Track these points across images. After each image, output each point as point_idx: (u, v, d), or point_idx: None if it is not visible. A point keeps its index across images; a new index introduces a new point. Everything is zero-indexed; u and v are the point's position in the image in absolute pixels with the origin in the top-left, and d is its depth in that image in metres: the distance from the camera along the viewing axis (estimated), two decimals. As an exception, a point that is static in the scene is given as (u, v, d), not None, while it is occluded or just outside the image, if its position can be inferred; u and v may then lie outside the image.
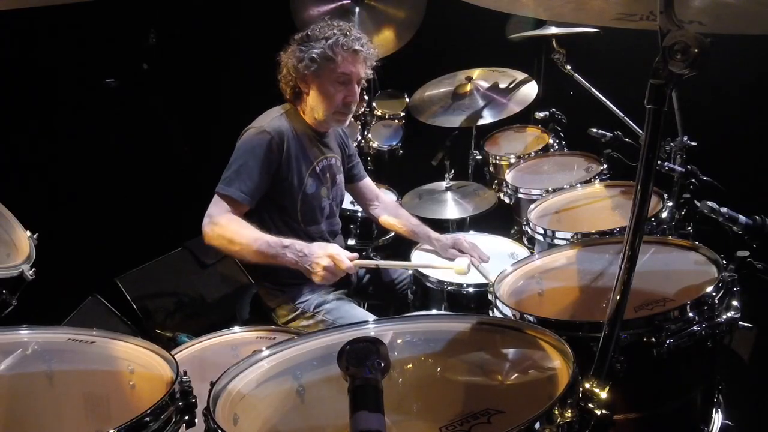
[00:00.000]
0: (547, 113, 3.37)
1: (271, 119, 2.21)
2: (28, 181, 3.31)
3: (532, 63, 3.97)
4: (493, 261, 2.44)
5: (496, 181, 3.30)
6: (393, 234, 3.12)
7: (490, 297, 1.72)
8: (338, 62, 2.16)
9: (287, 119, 2.24)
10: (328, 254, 1.96)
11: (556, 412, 1.04)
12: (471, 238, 2.58)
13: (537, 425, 1.01)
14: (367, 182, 2.66)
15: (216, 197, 2.11)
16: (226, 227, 2.06)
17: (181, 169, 4.01)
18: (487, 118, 3.19)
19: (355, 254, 2.03)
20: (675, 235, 2.14)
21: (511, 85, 3.27)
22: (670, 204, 2.23)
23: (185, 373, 1.29)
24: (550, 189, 2.70)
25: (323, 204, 2.35)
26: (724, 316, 1.46)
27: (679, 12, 1.04)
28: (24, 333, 1.53)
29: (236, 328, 1.98)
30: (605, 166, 2.76)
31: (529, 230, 2.33)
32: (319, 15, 3.39)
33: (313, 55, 2.16)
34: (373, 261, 2.16)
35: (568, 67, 3.08)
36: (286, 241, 2.04)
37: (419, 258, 2.53)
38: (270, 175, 2.15)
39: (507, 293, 1.77)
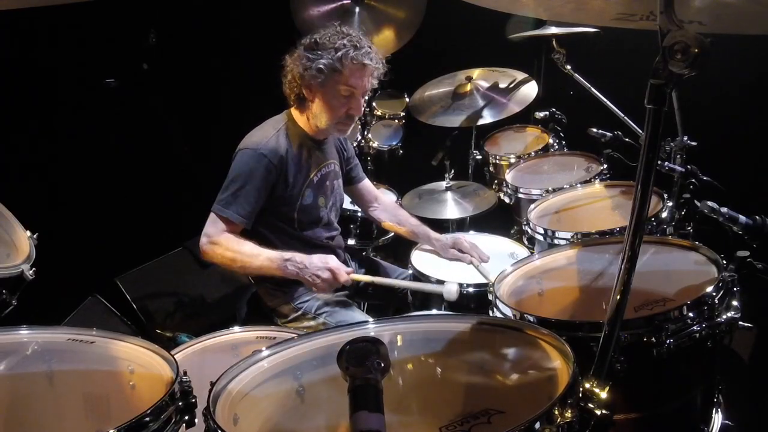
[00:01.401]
0: (547, 113, 3.36)
1: (268, 138, 2.18)
2: (28, 181, 3.31)
3: (532, 63, 3.97)
4: (493, 261, 2.44)
5: (496, 181, 3.30)
6: (393, 234, 3.12)
7: (490, 297, 1.72)
8: (346, 75, 2.14)
9: (285, 134, 2.22)
10: (328, 267, 2.09)
11: (556, 412, 1.04)
12: (471, 238, 2.58)
13: (537, 425, 1.01)
14: (366, 184, 2.66)
15: (213, 216, 2.14)
16: (226, 246, 2.11)
17: (181, 169, 4.01)
18: (487, 118, 3.19)
19: (351, 269, 2.19)
20: (675, 235, 2.14)
21: (511, 85, 3.27)
22: (670, 204, 2.23)
23: (185, 373, 1.29)
24: (550, 189, 2.70)
25: (321, 213, 2.35)
26: (724, 316, 1.46)
27: (679, 12, 1.04)
28: (24, 333, 1.53)
29: (236, 328, 1.98)
30: (605, 166, 2.76)
31: (529, 230, 2.33)
32: (319, 15, 3.39)
33: (321, 66, 2.13)
34: (368, 276, 2.33)
35: (568, 67, 3.08)
36: (287, 254, 2.12)
37: (419, 258, 2.53)
38: (267, 195, 2.17)
39: (507, 293, 1.77)
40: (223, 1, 4.09)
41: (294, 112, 2.31)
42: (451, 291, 2.13)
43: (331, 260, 2.12)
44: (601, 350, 1.15)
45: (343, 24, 2.26)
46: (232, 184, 2.13)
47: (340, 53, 2.12)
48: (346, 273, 2.12)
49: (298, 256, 2.11)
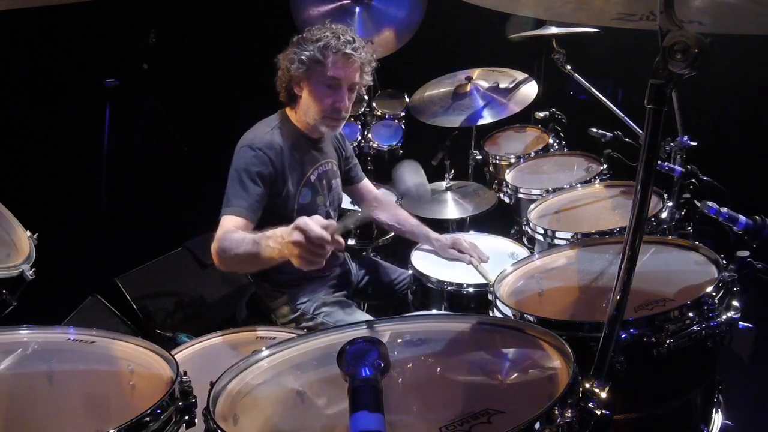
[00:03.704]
0: (547, 113, 3.37)
1: (264, 134, 2.18)
2: (28, 181, 3.31)
3: (532, 63, 3.98)
4: (493, 261, 2.44)
5: (496, 181, 3.30)
6: (393, 234, 3.12)
7: (490, 297, 1.72)
8: (327, 65, 2.14)
9: (280, 131, 2.22)
10: (295, 227, 1.63)
11: (556, 412, 1.04)
12: (471, 238, 2.57)
13: (537, 425, 1.01)
14: (366, 184, 2.66)
15: (220, 221, 2.05)
16: (222, 238, 1.98)
17: (181, 170, 4.02)
18: (487, 118, 3.19)
19: (331, 221, 1.65)
20: (675, 235, 2.14)
21: (511, 85, 3.27)
22: (670, 204, 2.23)
23: (185, 373, 1.29)
24: (550, 189, 2.70)
25: (319, 212, 2.34)
26: (724, 316, 1.46)
27: (679, 12, 1.04)
28: (24, 333, 1.53)
29: (236, 328, 1.98)
30: (605, 166, 2.76)
31: (529, 230, 2.33)
32: (319, 15, 3.39)
33: (303, 58, 2.14)
34: (341, 224, 1.67)
35: (568, 67, 3.08)
36: (269, 232, 1.80)
37: (419, 258, 2.53)
38: (266, 190, 2.14)
39: (507, 293, 1.77)
40: (223, 2, 4.10)
41: (288, 111, 2.31)
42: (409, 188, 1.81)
43: (300, 219, 1.63)
44: (601, 350, 1.15)
45: (342, 24, 2.26)
46: (231, 181, 2.12)
47: (321, 44, 2.13)
48: (322, 227, 1.60)
49: (279, 230, 1.73)
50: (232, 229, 1.99)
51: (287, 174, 2.20)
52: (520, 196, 2.86)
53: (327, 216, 2.40)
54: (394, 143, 3.63)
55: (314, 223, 1.60)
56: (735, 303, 1.50)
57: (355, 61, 2.17)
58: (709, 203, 1.77)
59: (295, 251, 1.63)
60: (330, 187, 2.40)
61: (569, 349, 1.22)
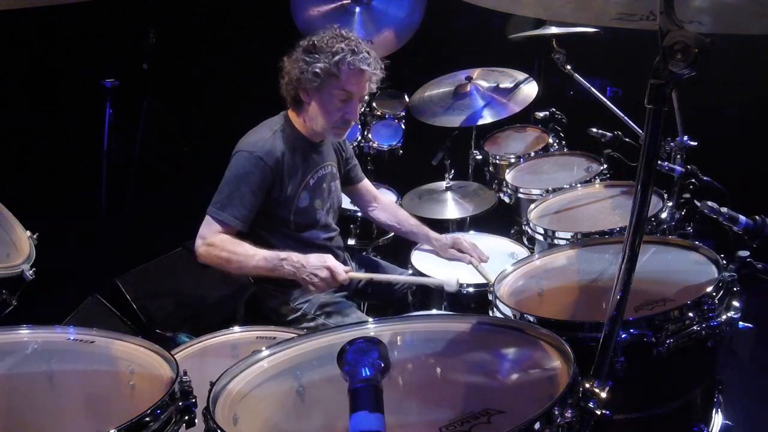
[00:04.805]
0: (547, 113, 3.37)
1: (265, 140, 2.17)
2: (28, 181, 3.31)
3: (532, 63, 3.98)
4: (493, 261, 2.44)
5: (496, 181, 3.30)
6: (393, 234, 3.11)
7: (490, 297, 1.72)
8: (342, 80, 2.12)
9: (281, 136, 2.21)
10: (326, 266, 2.05)
11: (556, 412, 1.04)
12: (471, 238, 2.57)
13: (537, 425, 1.01)
14: (366, 184, 2.65)
15: (208, 218, 2.13)
16: (222, 247, 2.09)
17: (181, 170, 4.01)
18: (487, 118, 3.19)
19: (349, 267, 2.18)
20: (675, 235, 2.14)
21: (511, 85, 3.27)
22: (670, 204, 2.23)
23: (185, 373, 1.29)
24: (550, 189, 2.71)
25: (318, 216, 2.35)
26: (724, 316, 1.46)
27: (679, 12, 1.04)
28: (24, 333, 1.53)
29: (236, 328, 1.98)
30: (605, 166, 2.76)
31: (529, 230, 2.33)
32: (319, 15, 3.38)
33: (317, 70, 2.11)
34: (367, 274, 2.33)
35: (568, 67, 3.08)
36: (283, 254, 2.09)
37: (419, 258, 2.53)
38: (262, 198, 2.16)
39: (507, 293, 1.77)
40: (223, 2, 4.10)
41: (291, 113, 2.30)
42: (451, 283, 2.09)
43: (329, 259, 2.08)
44: (601, 350, 1.15)
45: (343, 25, 2.25)
46: (227, 186, 2.13)
47: (337, 57, 2.10)
48: (345, 272, 2.08)
49: (295, 256, 2.08)
50: (228, 238, 2.11)
51: (286, 179, 2.20)
52: (520, 196, 2.86)
53: (325, 220, 2.40)
54: (394, 143, 3.63)
55: (341, 268, 2.07)
56: (735, 303, 1.50)
57: (369, 76, 2.17)
58: (709, 203, 1.77)
59: (314, 280, 2.04)
60: (329, 191, 2.40)
61: (569, 349, 1.22)
